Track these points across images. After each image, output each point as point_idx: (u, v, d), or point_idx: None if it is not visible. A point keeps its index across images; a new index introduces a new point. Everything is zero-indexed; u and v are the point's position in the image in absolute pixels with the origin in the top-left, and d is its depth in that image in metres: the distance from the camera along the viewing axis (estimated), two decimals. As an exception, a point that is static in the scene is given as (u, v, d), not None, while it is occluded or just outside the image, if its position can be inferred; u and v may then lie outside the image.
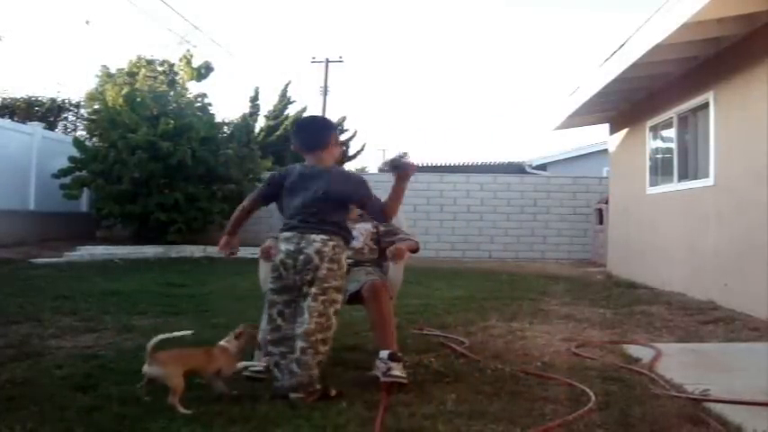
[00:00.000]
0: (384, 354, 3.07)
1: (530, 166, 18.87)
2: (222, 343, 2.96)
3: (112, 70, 15.47)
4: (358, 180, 3.08)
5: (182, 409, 2.58)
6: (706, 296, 6.22)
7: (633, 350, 3.94)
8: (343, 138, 19.01)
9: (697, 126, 7.04)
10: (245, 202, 3.20)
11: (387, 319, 3.22)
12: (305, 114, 18.28)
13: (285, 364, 2.85)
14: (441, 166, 17.32)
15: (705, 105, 6.65)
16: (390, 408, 2.67)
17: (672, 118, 7.53)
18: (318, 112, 23.61)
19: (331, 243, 2.88)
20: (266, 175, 11.99)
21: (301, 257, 2.85)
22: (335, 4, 59.28)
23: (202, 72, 14.70)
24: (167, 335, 2.76)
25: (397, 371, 2.99)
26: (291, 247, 2.87)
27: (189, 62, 14.72)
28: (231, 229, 3.23)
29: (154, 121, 10.89)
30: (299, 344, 2.83)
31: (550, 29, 69.14)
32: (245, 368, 2.98)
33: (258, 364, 3.09)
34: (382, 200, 3.03)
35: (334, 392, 2.84)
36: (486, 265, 11.14)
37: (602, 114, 9.53)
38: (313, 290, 2.85)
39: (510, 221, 12.94)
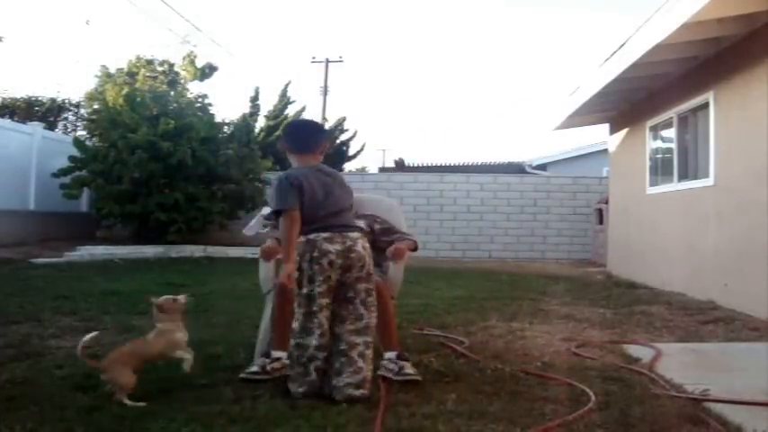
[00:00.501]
0: (392, 355, 3.12)
1: (530, 166, 18.85)
2: (158, 325, 2.96)
3: (112, 70, 15.49)
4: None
5: (128, 401, 2.66)
6: (706, 296, 6.22)
7: (633, 350, 3.94)
8: (343, 138, 19.02)
9: (697, 126, 7.04)
10: (289, 222, 2.88)
11: (389, 320, 3.25)
12: (304, 115, 18.29)
13: (320, 365, 2.86)
14: (441, 166, 17.30)
15: (705, 105, 6.65)
16: (390, 408, 2.67)
17: (672, 118, 7.53)
18: (318, 112, 23.63)
19: (364, 239, 3.03)
20: (267, 175, 12.11)
21: (353, 255, 2.91)
22: (335, 4, 59.31)
23: (206, 72, 14.74)
24: (87, 337, 2.86)
25: (410, 369, 3.08)
26: (339, 247, 2.90)
27: (192, 62, 14.75)
28: (292, 256, 2.87)
29: (154, 121, 10.89)
30: (362, 339, 2.86)
31: (550, 29, 69.18)
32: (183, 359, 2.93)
33: (254, 366, 3.10)
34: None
35: None
36: (486, 265, 11.14)
37: (602, 114, 9.53)
38: (368, 285, 2.95)
39: (510, 221, 12.94)
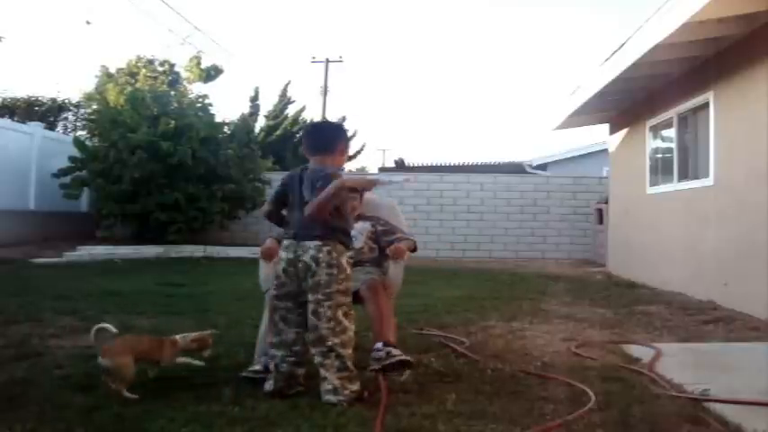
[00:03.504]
0: (378, 345, 3.09)
1: (530, 166, 18.86)
2: (177, 337, 3.09)
3: (112, 70, 15.50)
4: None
5: (127, 394, 2.73)
6: (706, 296, 6.22)
7: (633, 350, 3.93)
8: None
9: (697, 126, 7.04)
10: (266, 207, 3.22)
11: (384, 315, 3.23)
12: (304, 114, 18.30)
13: (286, 367, 2.88)
14: (441, 166, 17.32)
15: (705, 105, 6.65)
16: (390, 408, 2.67)
17: (672, 118, 7.53)
18: (318, 112, 23.62)
19: (326, 248, 2.85)
20: (267, 175, 12.12)
21: (300, 265, 2.86)
22: (335, 4, 59.29)
23: (211, 74, 14.80)
24: (102, 325, 2.96)
25: (396, 352, 3.03)
26: (291, 255, 2.88)
27: (198, 64, 14.80)
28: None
29: (154, 121, 10.90)
30: (317, 349, 2.83)
31: (551, 28, 69.16)
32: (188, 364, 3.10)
33: (256, 364, 3.10)
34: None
35: (366, 394, 2.83)
36: (486, 265, 11.13)
37: (602, 114, 9.53)
38: (318, 296, 2.83)
39: (510, 221, 12.94)
